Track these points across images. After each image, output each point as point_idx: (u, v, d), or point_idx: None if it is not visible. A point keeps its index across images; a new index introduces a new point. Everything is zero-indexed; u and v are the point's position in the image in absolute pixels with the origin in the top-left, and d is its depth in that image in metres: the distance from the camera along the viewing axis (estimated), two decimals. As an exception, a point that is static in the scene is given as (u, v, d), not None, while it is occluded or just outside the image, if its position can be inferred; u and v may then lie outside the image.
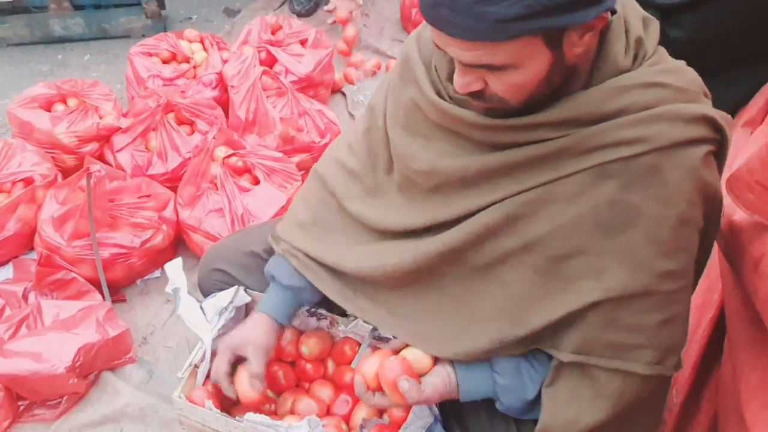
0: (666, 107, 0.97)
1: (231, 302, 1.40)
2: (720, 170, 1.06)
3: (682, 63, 1.05)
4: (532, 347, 1.11)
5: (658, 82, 0.98)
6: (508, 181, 1.04)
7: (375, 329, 1.37)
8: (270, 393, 1.44)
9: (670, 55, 1.06)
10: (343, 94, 2.94)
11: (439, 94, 1.10)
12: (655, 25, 1.05)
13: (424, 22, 1.00)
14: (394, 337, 1.29)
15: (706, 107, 1.00)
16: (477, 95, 0.98)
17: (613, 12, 0.97)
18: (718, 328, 1.37)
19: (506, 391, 1.12)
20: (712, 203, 1.04)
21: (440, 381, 1.13)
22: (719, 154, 1.03)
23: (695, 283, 1.14)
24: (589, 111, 0.98)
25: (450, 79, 1.07)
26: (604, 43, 0.98)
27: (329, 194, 1.32)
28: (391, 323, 1.23)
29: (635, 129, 0.97)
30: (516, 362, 1.12)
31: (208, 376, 1.40)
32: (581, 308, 1.04)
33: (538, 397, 1.12)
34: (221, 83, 2.57)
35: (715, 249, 1.27)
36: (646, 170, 0.97)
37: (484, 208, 1.07)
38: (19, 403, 1.72)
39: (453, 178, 1.09)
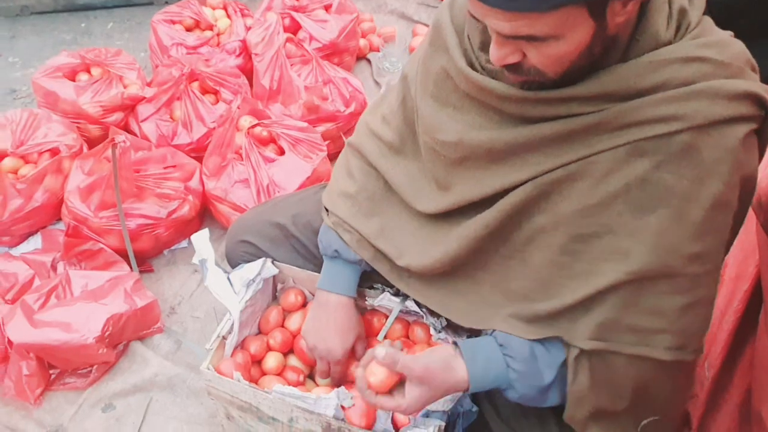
0: (706, 83, 0.93)
1: (258, 274, 1.40)
2: (762, 148, 1.01)
3: (727, 35, 1.00)
4: (547, 335, 1.07)
5: (698, 57, 0.94)
6: (538, 157, 1.02)
7: (403, 301, 1.36)
8: (298, 364, 1.44)
9: (713, 19, 1.01)
10: (368, 60, 2.89)
11: (470, 63, 1.07)
12: None
13: None
14: (430, 313, 1.31)
15: (751, 83, 0.95)
16: (513, 68, 0.94)
17: None
18: (753, 301, 1.34)
19: (522, 378, 1.08)
20: (746, 185, 1.00)
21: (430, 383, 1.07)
22: (762, 132, 0.99)
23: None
24: (625, 86, 0.94)
25: (482, 48, 1.04)
26: (645, 13, 0.93)
27: (369, 166, 1.30)
28: (441, 303, 1.23)
29: (672, 106, 0.93)
30: (530, 346, 1.08)
31: (236, 347, 1.41)
32: (602, 290, 1.02)
33: (552, 382, 1.08)
34: (245, 51, 2.54)
35: (752, 220, 1.24)
36: (681, 149, 0.94)
37: (515, 187, 1.05)
38: (51, 371, 1.73)
39: (480, 151, 1.07)
